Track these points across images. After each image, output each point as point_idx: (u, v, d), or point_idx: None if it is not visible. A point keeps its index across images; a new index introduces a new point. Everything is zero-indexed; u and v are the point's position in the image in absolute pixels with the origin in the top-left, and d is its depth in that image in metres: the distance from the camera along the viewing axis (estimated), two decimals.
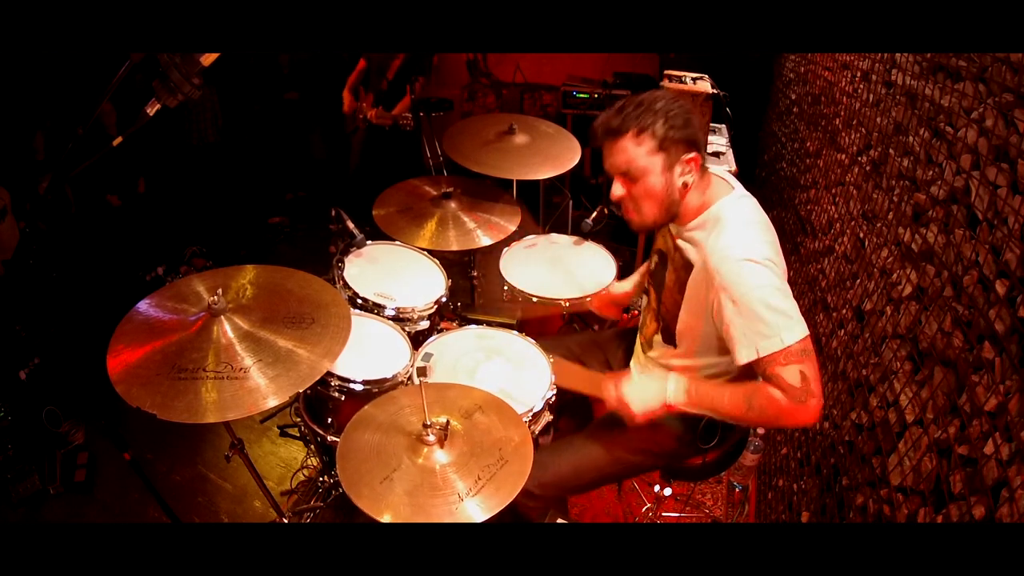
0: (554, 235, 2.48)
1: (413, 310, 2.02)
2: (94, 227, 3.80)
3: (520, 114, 3.92)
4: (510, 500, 1.26)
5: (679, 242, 1.45)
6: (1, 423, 2.53)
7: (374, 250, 2.26)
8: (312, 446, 2.30)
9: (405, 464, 1.32)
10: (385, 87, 3.46)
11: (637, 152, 1.32)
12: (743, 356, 1.27)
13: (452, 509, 1.24)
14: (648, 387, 1.42)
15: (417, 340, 1.94)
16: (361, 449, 1.35)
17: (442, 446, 1.36)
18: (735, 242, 1.29)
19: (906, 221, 1.54)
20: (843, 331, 1.84)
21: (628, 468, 1.62)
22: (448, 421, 1.38)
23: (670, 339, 1.54)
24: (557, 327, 2.44)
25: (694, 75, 2.71)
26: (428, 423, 1.35)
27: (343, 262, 2.13)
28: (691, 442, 1.57)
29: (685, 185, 1.36)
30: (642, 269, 1.90)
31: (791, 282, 1.32)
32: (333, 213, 2.17)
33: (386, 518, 1.22)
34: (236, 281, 1.63)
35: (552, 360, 1.77)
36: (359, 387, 1.72)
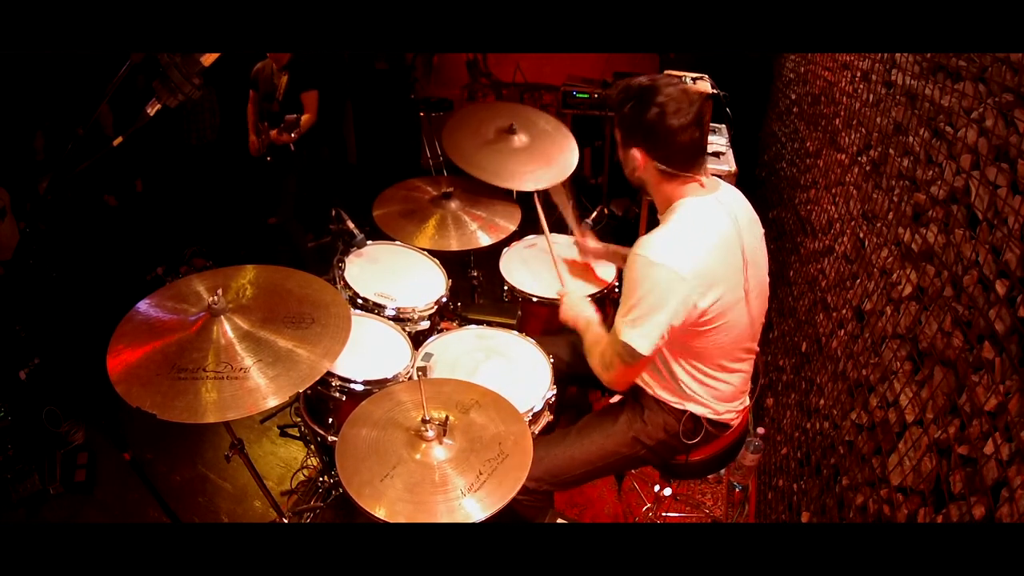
0: (554, 235, 2.48)
1: (413, 310, 2.02)
2: (94, 227, 3.81)
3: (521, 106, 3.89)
4: (513, 494, 1.26)
5: None
6: (1, 423, 2.53)
7: (374, 250, 2.26)
8: (312, 446, 2.30)
9: (404, 461, 1.32)
10: (277, 108, 3.43)
11: (615, 119, 1.47)
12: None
13: (454, 505, 1.24)
14: (583, 308, 1.70)
15: (417, 340, 1.95)
16: (359, 447, 1.35)
17: (441, 442, 1.36)
18: (653, 238, 1.38)
19: (906, 221, 1.54)
20: (843, 331, 1.84)
21: (619, 460, 1.64)
22: (447, 416, 1.38)
23: None
24: (557, 327, 2.44)
25: (694, 75, 2.71)
26: (427, 418, 1.35)
27: (343, 262, 2.13)
28: (678, 434, 1.59)
29: (633, 170, 1.46)
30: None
31: (791, 282, 1.32)
32: (333, 213, 2.17)
33: (386, 515, 1.21)
34: (236, 281, 1.63)
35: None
36: (360, 387, 1.72)
